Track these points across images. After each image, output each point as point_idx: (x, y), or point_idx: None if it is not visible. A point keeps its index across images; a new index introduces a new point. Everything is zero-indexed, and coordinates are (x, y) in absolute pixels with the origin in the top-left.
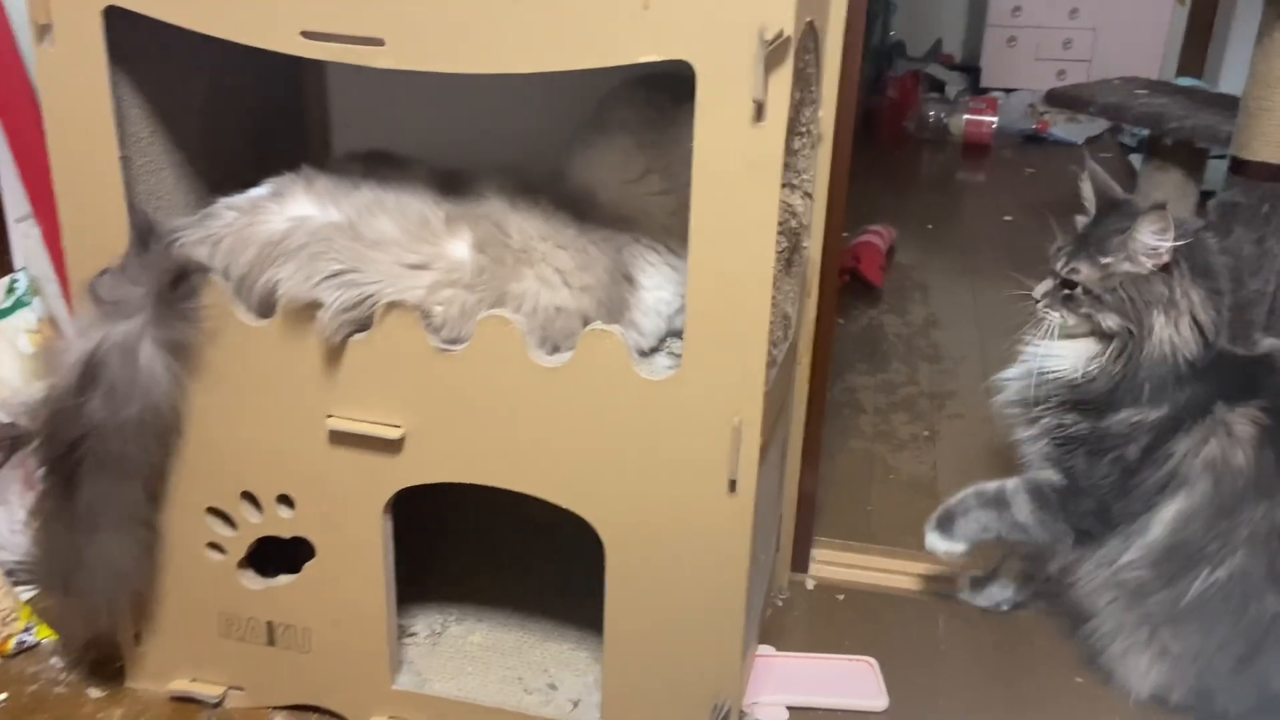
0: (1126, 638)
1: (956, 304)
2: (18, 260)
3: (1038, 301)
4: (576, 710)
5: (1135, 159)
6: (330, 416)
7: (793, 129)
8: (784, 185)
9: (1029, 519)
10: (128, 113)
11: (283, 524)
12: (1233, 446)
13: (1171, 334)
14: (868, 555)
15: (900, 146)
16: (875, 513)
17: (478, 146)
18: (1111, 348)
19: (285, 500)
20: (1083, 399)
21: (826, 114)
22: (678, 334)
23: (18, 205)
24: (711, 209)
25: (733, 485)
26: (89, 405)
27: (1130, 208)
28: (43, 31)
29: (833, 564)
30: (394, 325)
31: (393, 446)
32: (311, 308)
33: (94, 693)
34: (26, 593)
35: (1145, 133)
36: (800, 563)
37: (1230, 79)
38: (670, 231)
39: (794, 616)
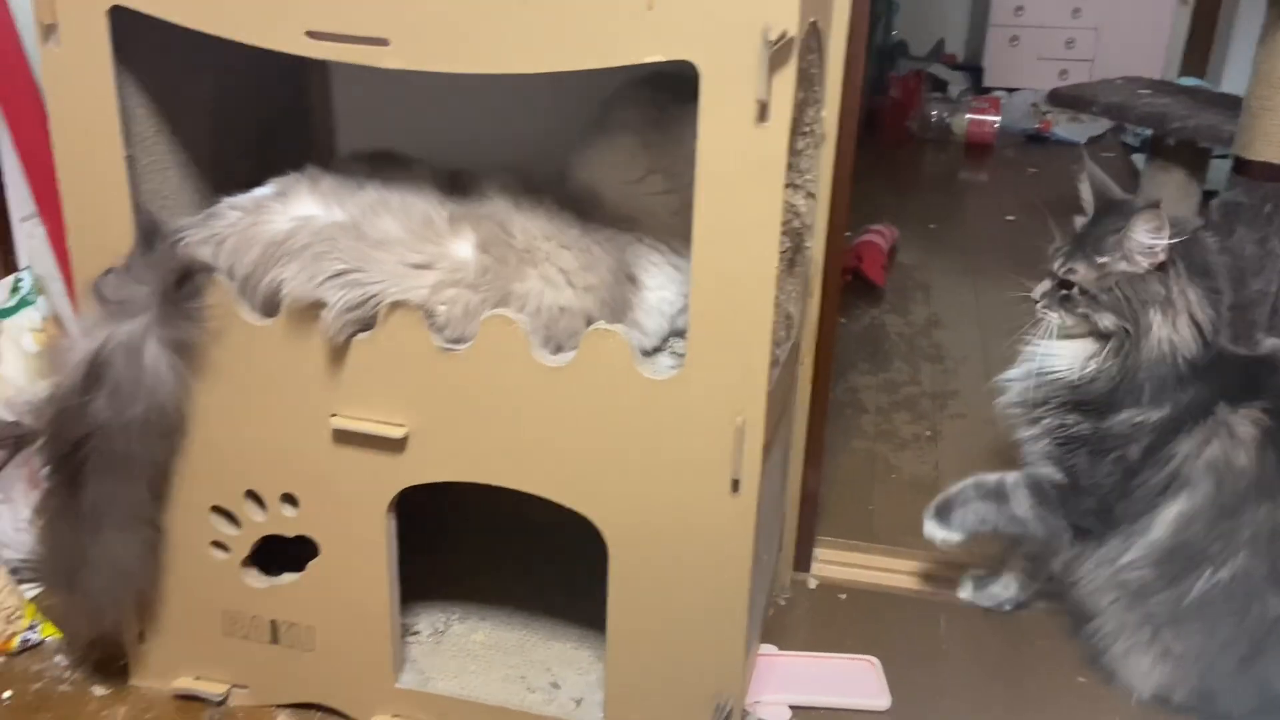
0: (1129, 638)
1: (959, 304)
2: (22, 259)
3: (1037, 302)
4: (579, 709)
5: (1138, 159)
6: (334, 416)
7: (796, 129)
8: (787, 185)
9: (1027, 514)
10: (133, 112)
11: (287, 523)
12: (1235, 447)
13: (1169, 333)
14: (870, 555)
15: (903, 146)
16: (877, 512)
17: (482, 146)
18: (1109, 347)
19: (289, 499)
20: (1083, 399)
21: (829, 114)
22: (681, 334)
23: (22, 204)
24: (715, 209)
25: (735, 485)
26: (94, 404)
27: (1128, 207)
28: (48, 31)
29: (835, 563)
30: (398, 325)
31: (396, 446)
32: (315, 307)
33: (98, 691)
34: (31, 591)
35: (1148, 132)
36: (802, 562)
37: (1233, 79)
38: (673, 231)
39: (796, 616)
